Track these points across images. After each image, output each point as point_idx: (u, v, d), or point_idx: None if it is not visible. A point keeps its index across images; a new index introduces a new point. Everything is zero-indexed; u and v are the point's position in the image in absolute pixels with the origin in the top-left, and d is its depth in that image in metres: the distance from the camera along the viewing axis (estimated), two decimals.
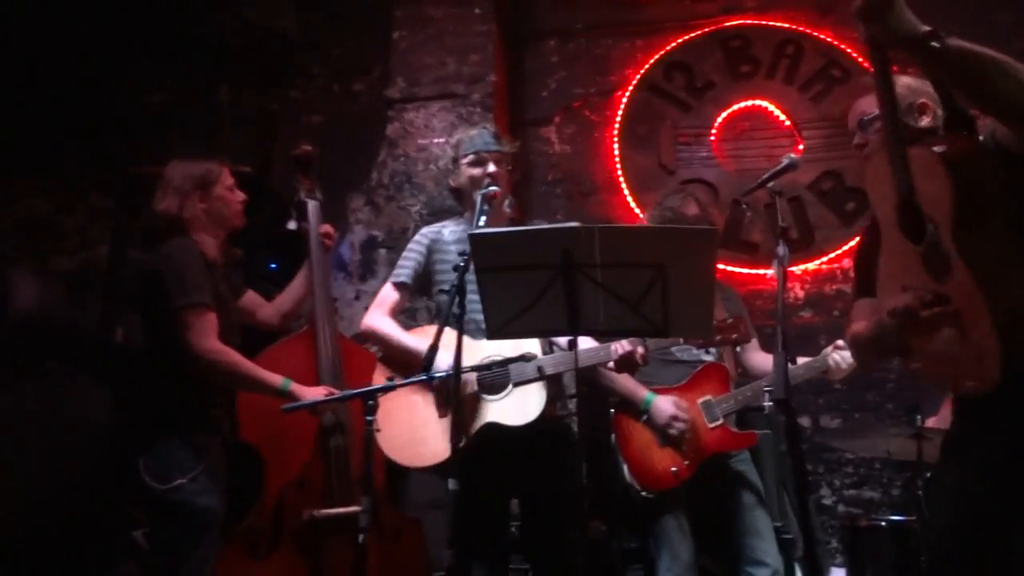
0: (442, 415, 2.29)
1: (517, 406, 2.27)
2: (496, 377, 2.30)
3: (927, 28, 1.41)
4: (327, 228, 2.68)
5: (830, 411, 3.64)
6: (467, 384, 2.27)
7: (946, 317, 1.46)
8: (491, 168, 2.41)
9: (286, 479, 2.40)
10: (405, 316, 2.54)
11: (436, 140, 4.07)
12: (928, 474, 2.54)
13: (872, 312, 1.74)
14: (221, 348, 2.24)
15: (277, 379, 2.31)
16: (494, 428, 2.26)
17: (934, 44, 1.39)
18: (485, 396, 2.30)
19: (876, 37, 1.45)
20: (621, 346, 2.26)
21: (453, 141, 2.55)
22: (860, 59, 4.17)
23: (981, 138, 1.52)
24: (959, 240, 1.43)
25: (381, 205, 4.07)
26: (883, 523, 2.74)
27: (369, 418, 2.01)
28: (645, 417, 2.56)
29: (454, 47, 4.17)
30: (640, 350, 2.33)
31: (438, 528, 2.46)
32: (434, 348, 1.86)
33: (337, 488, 2.39)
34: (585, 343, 2.39)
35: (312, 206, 2.66)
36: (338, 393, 2.28)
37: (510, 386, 2.28)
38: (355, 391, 2.11)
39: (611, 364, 2.34)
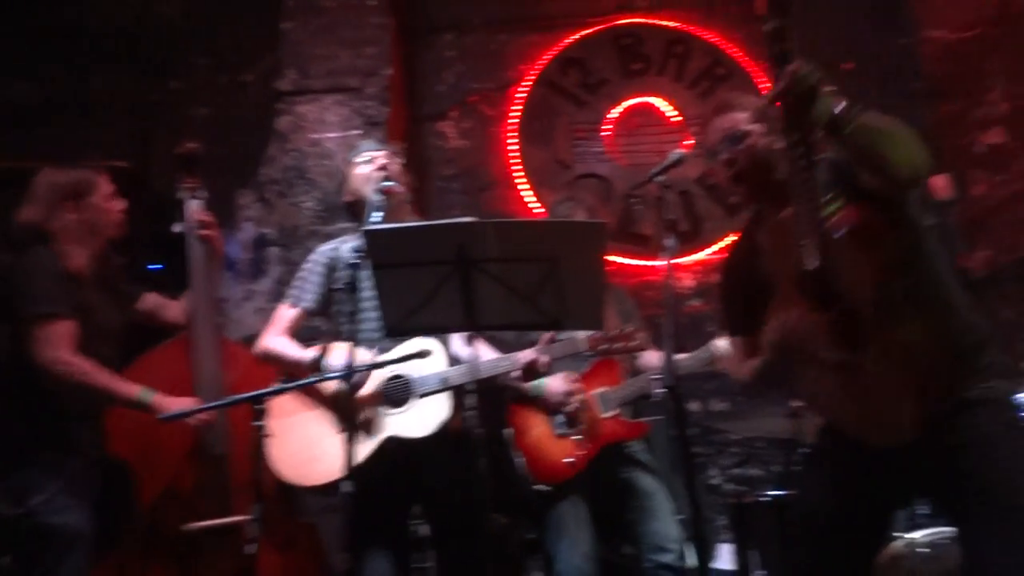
0: (340, 430, 2.22)
1: (420, 418, 2.25)
2: (399, 390, 2.27)
3: (842, 107, 1.45)
4: (207, 225, 2.57)
5: (718, 395, 3.81)
6: (369, 399, 2.24)
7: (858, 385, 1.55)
8: (381, 160, 2.39)
9: (159, 492, 2.30)
10: (302, 339, 2.46)
11: (330, 135, 3.97)
12: (801, 450, 2.70)
13: (746, 353, 1.82)
14: (69, 359, 2.13)
15: (135, 389, 2.22)
16: (395, 440, 2.23)
17: (845, 128, 1.44)
18: (387, 410, 2.27)
19: (799, 122, 1.46)
20: (525, 355, 2.33)
21: (342, 159, 2.56)
22: (743, 59, 4.39)
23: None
24: (878, 318, 1.50)
25: (272, 201, 3.93)
26: (765, 498, 2.90)
27: (258, 423, 1.94)
28: (539, 399, 2.57)
29: (348, 39, 4.07)
30: (544, 358, 2.38)
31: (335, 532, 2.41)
32: (325, 348, 1.82)
33: (213, 499, 2.31)
34: (487, 353, 2.41)
35: (192, 205, 2.56)
36: (212, 403, 2.21)
37: (414, 398, 2.27)
38: (241, 396, 2.03)
39: (516, 374, 2.40)
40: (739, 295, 1.86)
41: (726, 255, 1.98)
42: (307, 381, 2.03)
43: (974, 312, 1.64)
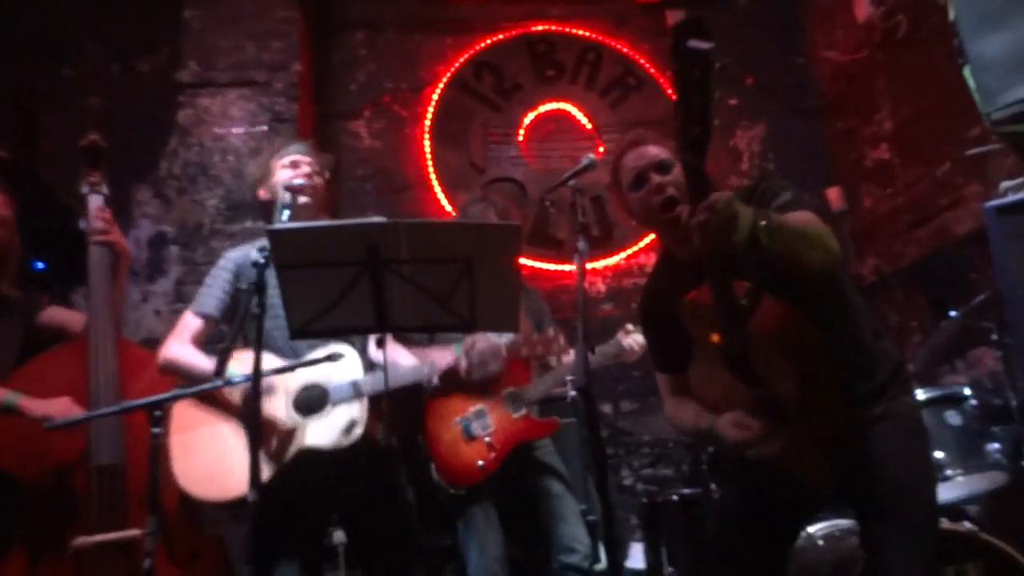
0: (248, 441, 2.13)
1: (335, 427, 2.18)
2: (313, 399, 2.20)
3: (757, 223, 1.46)
4: (105, 221, 2.43)
5: (629, 397, 3.89)
6: (279, 412, 2.16)
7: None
8: (305, 169, 2.33)
9: (44, 505, 2.15)
10: (207, 348, 2.34)
11: (235, 130, 3.82)
12: (710, 449, 2.79)
13: (677, 388, 1.87)
14: None
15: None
16: (309, 451, 2.15)
17: (763, 240, 1.46)
18: (301, 419, 2.18)
19: (711, 248, 1.46)
20: (444, 361, 2.35)
21: (260, 159, 2.45)
22: (652, 70, 4.51)
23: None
24: (796, 408, 1.56)
25: (172, 198, 3.74)
26: (675, 497, 2.97)
27: (156, 430, 1.83)
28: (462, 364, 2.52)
29: (254, 31, 3.93)
30: (463, 364, 2.35)
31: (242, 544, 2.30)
32: (227, 349, 1.73)
33: (104, 512, 2.17)
34: (404, 358, 2.36)
35: (94, 201, 2.43)
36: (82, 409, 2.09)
37: (328, 406, 2.19)
38: (135, 402, 1.90)
39: (435, 382, 2.38)
40: (662, 336, 1.89)
41: (643, 296, 1.99)
42: (208, 386, 1.92)
43: (882, 341, 1.74)
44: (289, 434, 2.16)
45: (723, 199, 1.43)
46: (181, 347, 2.27)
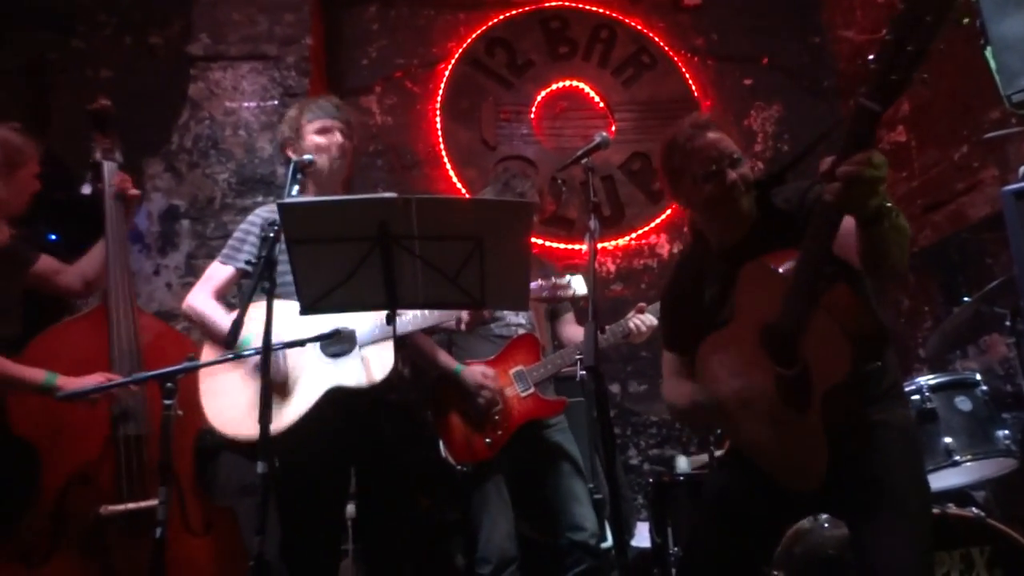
0: (283, 383, 2.17)
1: (364, 367, 2.19)
2: (341, 342, 2.20)
3: (890, 203, 1.43)
4: (127, 187, 2.46)
5: (637, 377, 3.90)
6: (308, 354, 2.18)
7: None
8: (338, 138, 2.35)
9: (68, 475, 2.16)
10: (230, 301, 2.36)
11: (246, 104, 3.80)
12: (719, 431, 2.79)
13: (682, 369, 1.90)
14: None
15: (38, 375, 2.09)
16: (339, 393, 2.17)
17: (886, 222, 1.43)
18: (330, 360, 2.21)
19: (843, 204, 1.41)
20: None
21: (291, 112, 2.44)
22: (666, 48, 4.46)
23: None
24: (829, 393, 1.55)
25: (183, 172, 3.74)
26: (681, 477, 2.99)
27: (168, 402, 1.85)
28: (458, 382, 2.59)
29: (266, 4, 3.90)
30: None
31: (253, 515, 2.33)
32: (238, 323, 1.73)
33: (130, 482, 2.19)
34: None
35: (108, 167, 2.45)
36: (118, 379, 2.08)
37: (356, 349, 2.21)
38: (146, 374, 1.92)
39: (453, 324, 2.40)
40: (682, 314, 1.91)
41: (674, 272, 2.01)
42: (220, 359, 1.94)
43: (888, 344, 1.73)
44: (318, 374, 2.18)
45: (882, 158, 1.36)
46: (205, 299, 2.29)
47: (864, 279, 1.62)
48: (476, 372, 2.58)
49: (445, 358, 2.62)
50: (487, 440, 2.54)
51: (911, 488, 1.65)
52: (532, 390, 2.63)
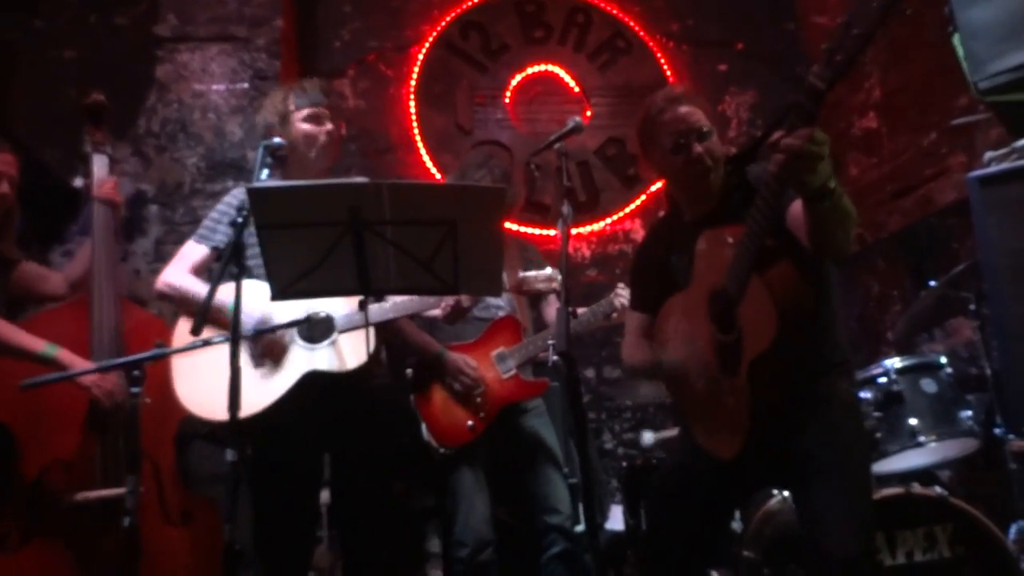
0: (257, 365, 2.16)
1: (342, 353, 2.19)
2: (317, 326, 2.21)
3: (832, 180, 1.47)
4: (110, 185, 2.44)
5: (612, 363, 3.92)
6: (283, 335, 2.18)
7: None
8: (328, 126, 2.33)
9: (47, 460, 2.15)
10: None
11: (216, 87, 3.73)
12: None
13: (644, 330, 2.00)
14: None
15: (37, 344, 2.10)
16: (315, 379, 2.16)
17: (827, 201, 1.47)
18: (307, 344, 2.20)
19: (783, 175, 1.46)
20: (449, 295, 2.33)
21: (276, 96, 2.40)
22: (642, 33, 4.45)
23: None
24: (755, 362, 1.62)
25: (151, 156, 3.66)
26: (654, 461, 3.02)
27: (135, 390, 1.82)
28: (439, 366, 2.58)
29: None
30: (467, 301, 2.41)
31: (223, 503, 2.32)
32: (204, 310, 1.71)
33: (106, 469, 2.18)
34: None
35: (98, 160, 2.44)
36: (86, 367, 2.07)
37: (335, 334, 2.20)
38: (112, 361, 1.90)
39: (437, 313, 2.39)
40: (650, 277, 2.01)
41: (646, 236, 2.10)
42: (187, 347, 1.90)
43: (837, 320, 1.81)
44: (295, 357, 2.17)
45: (824, 136, 1.42)
46: (182, 275, 2.26)
47: (811, 259, 1.66)
48: (458, 357, 2.57)
49: (428, 341, 2.60)
50: (469, 423, 2.55)
51: (851, 460, 1.71)
52: (514, 372, 2.64)
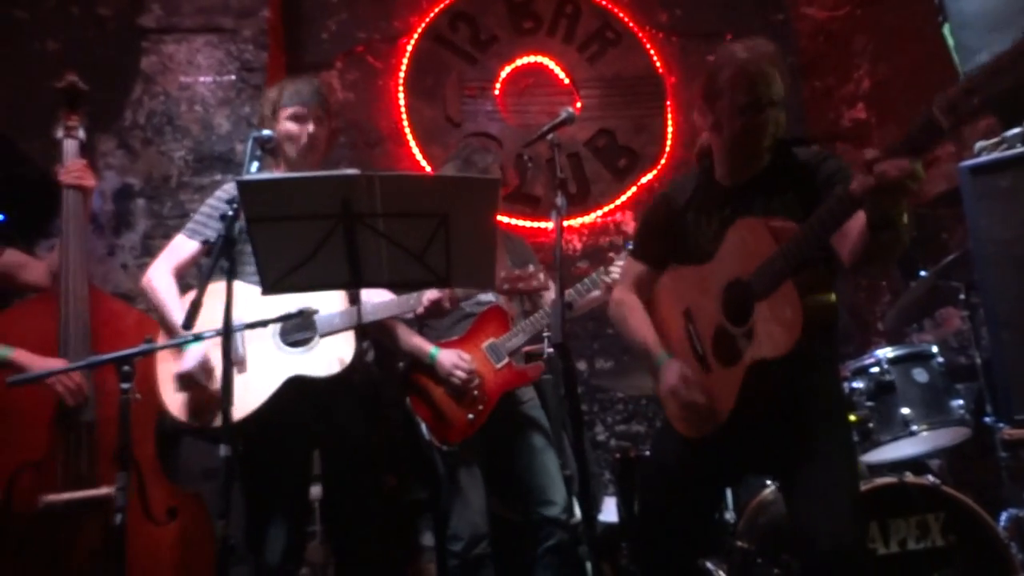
0: (240, 370, 2.13)
1: (325, 357, 2.17)
2: (300, 330, 2.19)
3: (906, 216, 1.46)
4: (78, 167, 2.39)
5: (604, 355, 3.92)
6: (267, 341, 2.15)
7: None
8: (310, 127, 2.30)
9: (16, 462, 2.11)
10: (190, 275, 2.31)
11: (202, 79, 3.69)
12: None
13: (640, 282, 1.96)
14: None
15: None
16: (299, 381, 2.14)
17: (903, 232, 1.47)
18: (289, 349, 2.19)
19: (868, 202, 1.42)
20: (430, 293, 2.29)
21: (272, 92, 2.37)
22: (631, 24, 4.43)
23: None
24: (761, 362, 1.61)
25: (137, 149, 3.62)
26: (647, 452, 3.01)
27: (125, 385, 1.80)
28: (433, 367, 2.57)
29: None
30: (447, 297, 2.35)
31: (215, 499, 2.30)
32: (196, 304, 1.69)
33: (76, 470, 2.15)
34: (386, 295, 2.34)
35: (69, 146, 2.41)
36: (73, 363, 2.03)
37: (316, 338, 2.19)
38: (102, 357, 1.86)
39: (420, 310, 2.35)
40: (661, 227, 1.94)
41: (668, 187, 2.01)
42: (179, 341, 1.89)
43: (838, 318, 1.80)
44: (277, 363, 2.15)
45: (923, 172, 1.34)
46: (164, 276, 2.24)
47: (840, 270, 1.67)
48: (451, 355, 2.56)
49: (419, 341, 2.60)
50: (469, 416, 2.54)
51: (838, 448, 1.71)
52: (507, 360, 2.63)
